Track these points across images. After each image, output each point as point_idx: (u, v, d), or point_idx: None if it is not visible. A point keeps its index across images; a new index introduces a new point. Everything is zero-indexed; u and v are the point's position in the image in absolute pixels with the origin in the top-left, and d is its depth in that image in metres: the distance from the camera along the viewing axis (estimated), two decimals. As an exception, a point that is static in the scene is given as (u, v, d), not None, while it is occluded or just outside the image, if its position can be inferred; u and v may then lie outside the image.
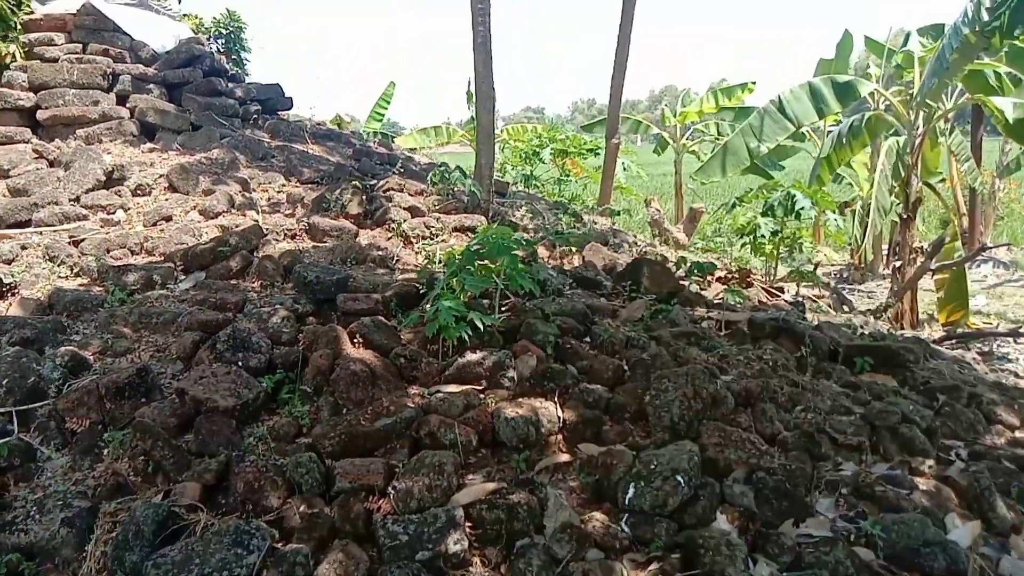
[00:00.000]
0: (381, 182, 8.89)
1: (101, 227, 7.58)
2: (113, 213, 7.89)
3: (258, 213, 8.04)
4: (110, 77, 10.10)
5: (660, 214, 12.27)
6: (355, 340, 4.90)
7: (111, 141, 9.48)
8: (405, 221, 7.77)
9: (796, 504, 3.64)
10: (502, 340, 4.96)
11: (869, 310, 10.60)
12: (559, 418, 4.22)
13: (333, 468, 3.77)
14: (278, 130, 11.11)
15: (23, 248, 6.96)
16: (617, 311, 5.85)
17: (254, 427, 4.23)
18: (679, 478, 3.53)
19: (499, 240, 5.08)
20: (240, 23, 16.50)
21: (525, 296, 5.59)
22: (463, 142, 19.66)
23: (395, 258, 7.02)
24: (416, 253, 7.35)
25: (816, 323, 6.41)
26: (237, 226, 7.42)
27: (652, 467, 3.62)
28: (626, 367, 4.77)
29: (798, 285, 9.27)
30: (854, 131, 11.81)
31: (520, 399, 4.33)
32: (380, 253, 6.99)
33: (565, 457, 4.04)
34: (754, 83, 19.24)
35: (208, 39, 13.99)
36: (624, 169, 17.48)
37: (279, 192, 8.74)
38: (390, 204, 8.07)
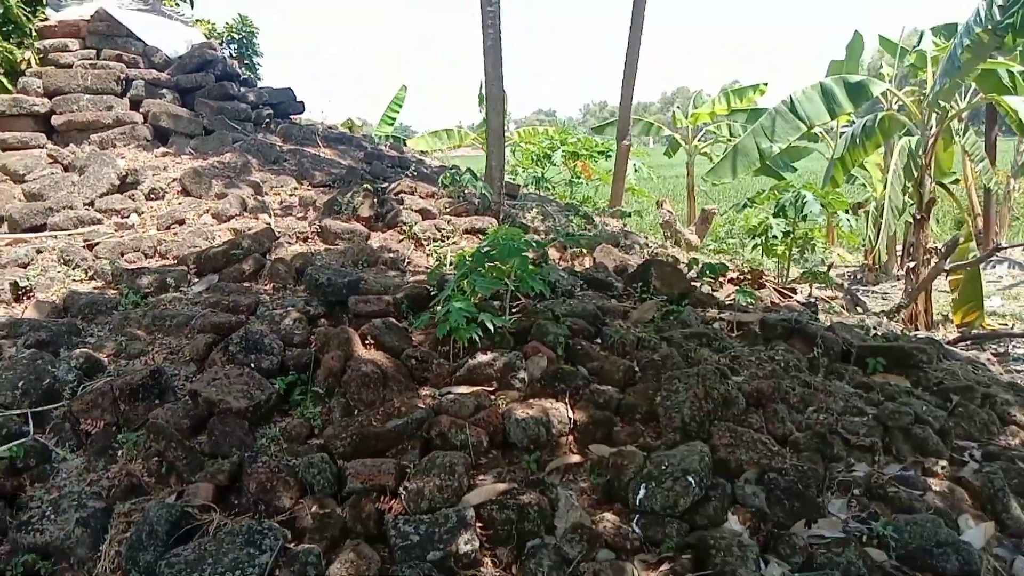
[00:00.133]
0: (392, 185, 8.92)
1: (115, 231, 7.64)
2: (127, 217, 7.96)
3: (270, 216, 8.08)
4: (123, 82, 10.18)
5: (672, 216, 12.26)
6: (366, 342, 4.92)
7: (125, 146, 9.56)
8: (416, 223, 7.80)
9: (808, 505, 3.63)
10: (513, 341, 4.97)
11: (883, 311, 10.55)
12: (570, 419, 4.22)
13: (345, 469, 3.78)
14: (290, 134, 11.17)
15: (38, 252, 7.02)
16: (628, 312, 5.84)
17: (266, 428, 4.26)
18: (690, 478, 3.52)
19: (509, 242, 5.09)
20: (252, 28, 16.62)
21: (536, 297, 5.60)
22: (475, 145, 19.73)
23: (406, 260, 7.04)
24: (427, 255, 7.38)
25: (828, 324, 6.38)
26: (249, 229, 7.46)
27: (663, 468, 3.61)
28: (637, 368, 4.76)
29: (810, 286, 9.24)
30: (867, 132, 11.77)
31: (531, 400, 4.33)
32: (391, 255, 7.01)
33: (576, 458, 4.04)
34: (766, 84, 19.20)
35: (221, 44, 14.11)
36: (635, 171, 17.47)
37: (291, 195, 8.79)
38: (401, 207, 8.09)
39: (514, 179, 13.66)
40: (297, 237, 7.57)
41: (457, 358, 4.80)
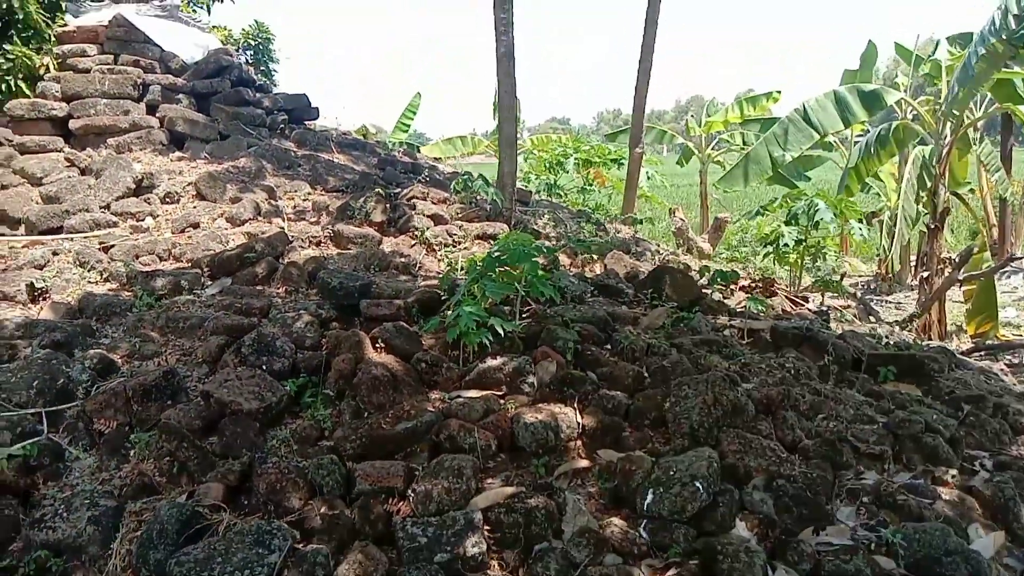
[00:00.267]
0: (405, 190, 8.97)
1: (130, 234, 7.73)
2: (142, 220, 8.04)
3: (284, 220, 8.14)
4: (140, 87, 10.30)
5: (684, 223, 12.26)
6: (377, 345, 4.95)
7: (141, 150, 9.65)
8: (428, 229, 7.84)
9: (816, 512, 3.62)
10: (522, 346, 4.98)
11: (896, 321, 10.50)
12: (578, 424, 4.23)
13: (354, 470, 3.80)
14: (304, 139, 11.25)
15: (55, 254, 7.11)
16: (638, 318, 5.85)
17: (277, 430, 4.28)
18: (698, 484, 3.52)
19: (520, 247, 5.11)
20: (268, 34, 16.73)
21: (546, 303, 5.61)
22: (488, 152, 19.78)
23: (418, 265, 7.08)
24: (439, 260, 7.41)
25: (840, 332, 6.36)
26: (263, 233, 7.53)
27: (671, 473, 3.61)
28: (646, 374, 4.77)
29: (822, 295, 9.21)
30: (881, 141, 11.72)
31: (540, 404, 4.34)
32: (403, 260, 7.05)
33: (584, 463, 4.05)
34: (779, 92, 19.18)
35: (237, 50, 14.22)
36: (648, 179, 17.47)
37: (305, 200, 8.85)
38: (413, 212, 8.14)
39: (527, 186, 13.68)
40: (310, 241, 7.62)
41: (467, 362, 4.82)
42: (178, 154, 9.78)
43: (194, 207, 8.34)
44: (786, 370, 4.99)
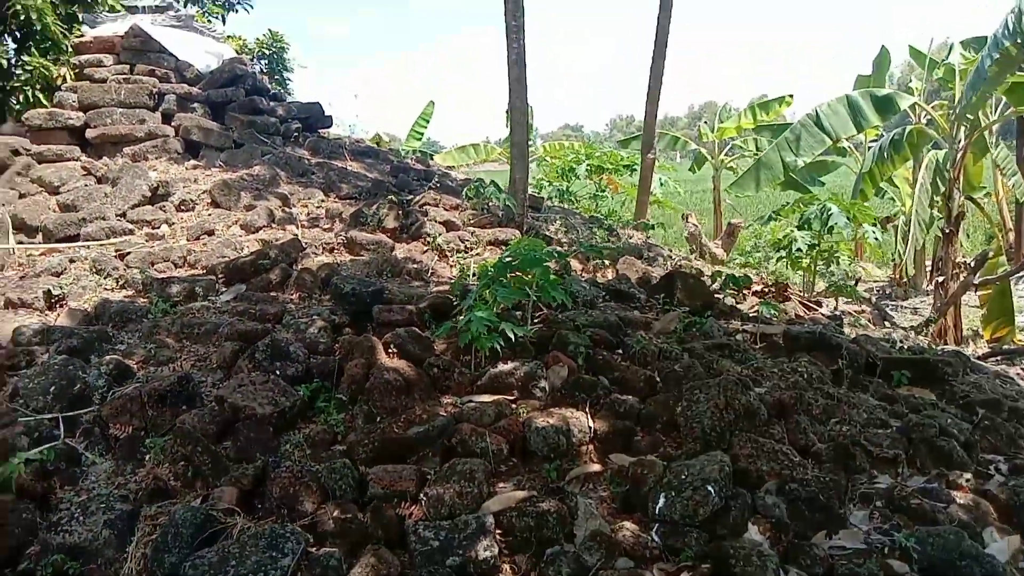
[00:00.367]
0: (417, 197, 9.01)
1: (146, 241, 7.80)
2: (158, 228, 8.12)
3: (298, 227, 8.20)
4: (156, 96, 10.40)
5: (697, 229, 12.23)
6: (389, 350, 4.97)
7: (156, 158, 9.75)
8: (440, 235, 7.87)
9: (829, 516, 3.61)
10: (534, 351, 4.99)
11: (912, 326, 10.44)
12: (590, 428, 4.23)
13: (366, 474, 3.82)
14: (318, 147, 11.32)
15: (71, 261, 7.18)
16: (650, 323, 5.85)
17: (291, 434, 4.31)
18: (709, 488, 3.52)
19: (531, 252, 5.12)
20: (282, 44, 16.90)
21: (557, 308, 5.62)
22: (501, 160, 19.84)
23: (430, 271, 7.10)
24: (451, 266, 7.43)
25: (853, 337, 6.34)
26: (277, 240, 7.58)
27: (683, 477, 3.61)
28: (658, 378, 4.77)
29: (836, 299, 9.17)
30: (895, 145, 11.69)
31: (551, 409, 4.35)
32: (415, 266, 7.08)
33: (596, 467, 4.05)
34: (791, 96, 19.14)
35: (252, 60, 14.35)
36: (661, 185, 17.47)
37: (318, 207, 8.91)
38: (426, 218, 8.17)
39: (539, 193, 13.71)
40: (323, 248, 7.67)
41: (479, 367, 4.83)
42: (193, 162, 9.87)
43: (209, 214, 8.41)
44: (799, 374, 4.98)
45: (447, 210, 8.69)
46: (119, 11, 11.67)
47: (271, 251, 6.94)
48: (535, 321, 5.47)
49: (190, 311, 5.98)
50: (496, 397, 4.48)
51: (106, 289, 6.73)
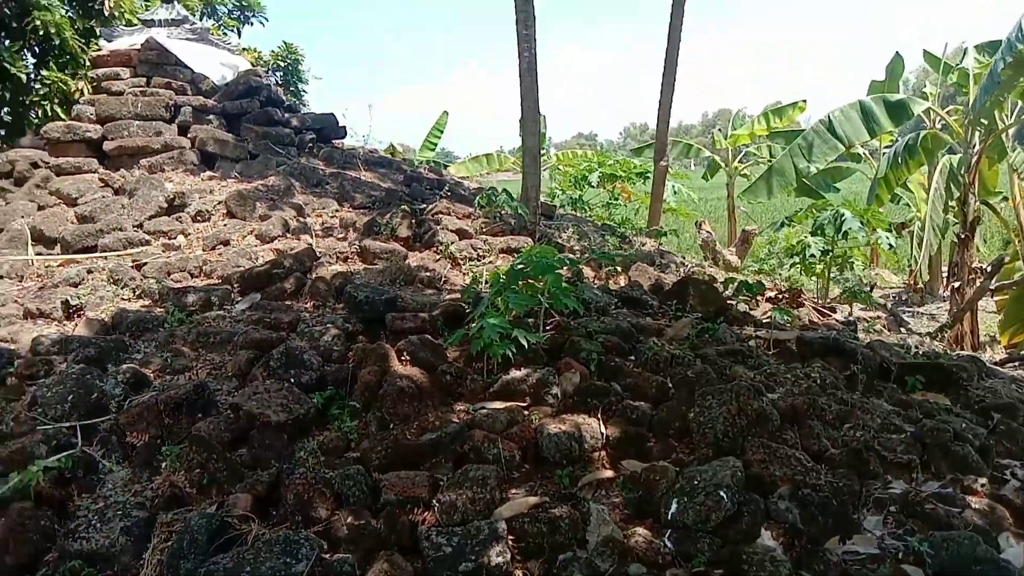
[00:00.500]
0: (430, 206, 9.06)
1: (162, 251, 7.89)
2: (174, 238, 8.20)
3: (312, 237, 8.26)
4: (172, 109, 10.53)
5: (711, 236, 12.22)
6: (402, 357, 5.00)
7: (173, 170, 9.87)
8: (453, 243, 7.91)
9: (843, 521, 3.59)
10: (546, 358, 5.01)
11: (928, 332, 10.36)
12: (602, 434, 4.24)
13: (380, 481, 3.84)
14: (332, 158, 11.41)
15: (89, 272, 7.27)
16: (663, 330, 5.85)
17: (305, 441, 4.34)
18: (722, 493, 3.51)
19: (543, 259, 5.14)
20: (297, 56, 17.05)
21: (569, 315, 5.63)
22: (515, 169, 19.91)
23: (443, 279, 7.13)
24: (463, 274, 7.46)
25: (867, 342, 6.31)
26: (292, 249, 7.64)
27: (695, 482, 3.61)
28: (670, 384, 4.76)
29: (851, 306, 9.13)
30: (910, 150, 11.64)
31: (563, 415, 4.36)
32: (428, 274, 7.11)
33: (608, 473, 4.05)
34: (805, 101, 19.10)
35: (267, 71, 14.48)
36: (675, 193, 17.47)
37: (332, 217, 8.98)
38: (438, 227, 8.21)
39: (552, 201, 13.74)
40: (337, 257, 7.72)
41: (491, 374, 4.85)
42: (209, 173, 9.98)
43: (224, 225, 8.49)
44: (812, 380, 4.96)
45: (459, 219, 8.73)
46: (136, 25, 11.84)
47: (286, 260, 7.00)
48: (547, 328, 5.48)
49: (206, 320, 6.04)
50: (508, 404, 4.49)
51: (123, 299, 6.80)
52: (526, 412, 4.43)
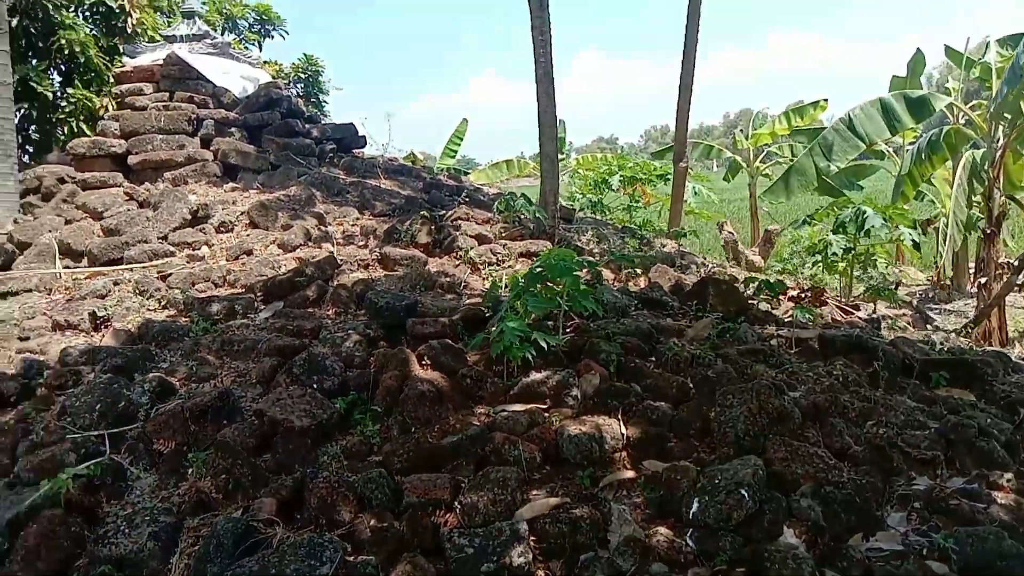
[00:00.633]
0: (449, 212, 9.11)
1: (187, 262, 8.00)
2: (198, 249, 8.32)
3: (333, 245, 8.34)
4: (194, 122, 10.69)
5: (733, 236, 12.17)
6: (423, 362, 5.03)
7: (196, 182, 10.01)
8: (472, 248, 7.94)
9: (866, 518, 3.57)
10: (566, 360, 5.01)
11: (953, 329, 10.24)
12: (623, 435, 4.24)
13: (402, 484, 3.87)
14: (352, 167, 11.51)
15: (115, 284, 7.40)
16: (683, 330, 5.83)
17: (328, 446, 4.38)
18: (743, 491, 3.50)
19: (561, 262, 5.16)
20: (318, 67, 17.22)
21: (589, 317, 5.64)
22: (535, 175, 19.94)
23: (463, 284, 7.17)
24: (483, 279, 7.49)
25: (890, 339, 6.25)
26: (313, 258, 7.72)
27: (716, 481, 3.61)
28: (691, 384, 4.75)
29: (875, 303, 9.05)
30: (933, 146, 11.51)
31: (584, 417, 4.37)
32: (448, 279, 7.16)
33: (629, 473, 4.05)
34: (826, 100, 18.97)
35: (288, 84, 14.65)
36: (696, 194, 17.41)
37: (353, 225, 9.06)
38: (458, 233, 8.26)
39: (572, 205, 13.75)
40: (358, 264, 7.79)
41: (511, 377, 4.87)
42: (231, 185, 10.11)
43: (247, 235, 8.60)
44: (834, 377, 4.93)
45: (479, 224, 8.77)
46: (158, 41, 12.04)
47: (308, 268, 7.07)
48: (566, 330, 5.50)
49: (230, 328, 6.12)
50: (529, 406, 4.51)
51: (149, 310, 6.91)
52: (546, 414, 4.45)
